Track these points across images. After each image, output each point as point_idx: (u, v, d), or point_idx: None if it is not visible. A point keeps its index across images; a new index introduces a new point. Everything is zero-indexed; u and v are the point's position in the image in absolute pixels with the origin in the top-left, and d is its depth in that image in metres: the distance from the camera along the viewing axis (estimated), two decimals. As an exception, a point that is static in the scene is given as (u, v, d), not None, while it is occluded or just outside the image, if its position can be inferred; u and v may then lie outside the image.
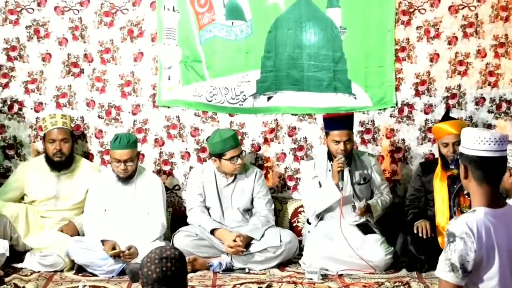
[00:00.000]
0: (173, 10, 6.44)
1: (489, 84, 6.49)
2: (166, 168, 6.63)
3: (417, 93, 6.51)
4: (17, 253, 5.98)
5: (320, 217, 6.12)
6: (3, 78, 6.49)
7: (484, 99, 6.51)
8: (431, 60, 6.47)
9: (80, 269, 5.84)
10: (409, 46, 6.46)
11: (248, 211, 6.28)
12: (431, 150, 6.55)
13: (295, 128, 6.58)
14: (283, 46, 6.47)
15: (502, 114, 6.53)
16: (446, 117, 6.07)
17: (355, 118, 6.37)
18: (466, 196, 5.55)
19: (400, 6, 6.40)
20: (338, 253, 5.78)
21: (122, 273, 5.71)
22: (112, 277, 5.71)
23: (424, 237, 5.78)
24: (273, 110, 6.56)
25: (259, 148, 6.62)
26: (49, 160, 6.20)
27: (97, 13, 6.43)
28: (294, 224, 6.51)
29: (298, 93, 6.53)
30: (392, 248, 5.86)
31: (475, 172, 3.30)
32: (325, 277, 5.67)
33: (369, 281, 5.58)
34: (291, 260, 6.06)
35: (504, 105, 6.51)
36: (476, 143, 3.28)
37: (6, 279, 5.55)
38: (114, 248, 5.74)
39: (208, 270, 5.88)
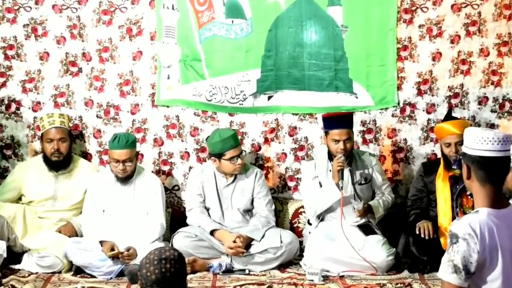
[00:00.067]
0: (173, 9, 6.42)
1: (492, 83, 6.46)
2: (166, 168, 6.61)
3: (419, 93, 6.48)
4: (15, 254, 5.95)
5: (321, 217, 6.10)
6: (0, 77, 6.46)
7: (487, 98, 6.48)
8: (434, 59, 6.45)
9: (78, 270, 5.81)
10: (411, 44, 6.44)
11: (248, 211, 6.25)
12: (433, 150, 6.53)
13: (295, 127, 6.56)
14: (283, 44, 6.44)
15: (505, 114, 6.50)
16: (448, 117, 6.04)
17: (357, 117, 6.41)
18: (469, 197, 5.53)
19: (402, 4, 6.38)
20: (339, 254, 5.75)
21: (120, 274, 5.69)
22: (111, 278, 5.68)
23: (426, 238, 5.75)
24: (274, 110, 6.54)
25: (260, 148, 6.60)
26: (47, 160, 6.18)
27: (95, 12, 6.41)
28: (295, 225, 6.49)
29: (298, 93, 6.50)
30: (394, 249, 5.84)
31: (478, 172, 3.28)
32: (326, 278, 5.64)
33: (370, 282, 5.56)
34: (291, 261, 6.03)
35: (507, 104, 6.49)
36: (479, 143, 3.26)
37: (4, 281, 5.52)
38: (112, 249, 5.71)
39: (208, 271, 5.84)
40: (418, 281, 5.54)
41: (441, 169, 5.92)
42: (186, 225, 6.16)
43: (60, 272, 5.80)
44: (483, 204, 3.27)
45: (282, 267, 5.93)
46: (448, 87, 6.46)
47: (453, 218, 5.59)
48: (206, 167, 6.28)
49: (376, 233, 5.94)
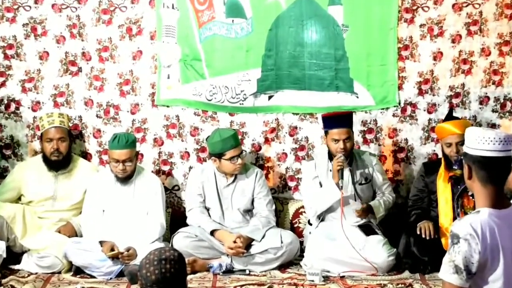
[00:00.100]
0: (173, 8, 6.41)
1: (493, 83, 6.45)
2: (166, 168, 6.59)
3: (420, 92, 6.46)
4: (14, 255, 5.94)
5: (321, 218, 6.08)
6: (-1, 76, 6.47)
7: (488, 98, 6.47)
8: (435, 58, 6.43)
9: (78, 271, 5.80)
10: (412, 44, 6.42)
11: (248, 211, 6.24)
12: (434, 150, 6.52)
13: (296, 127, 6.55)
14: (284, 44, 6.43)
15: (507, 114, 6.49)
16: (449, 117, 6.03)
17: (357, 117, 6.41)
18: (471, 197, 5.53)
19: (403, 3, 6.37)
20: (339, 255, 5.74)
21: (120, 274, 5.68)
22: (111, 278, 5.67)
23: (427, 238, 5.74)
24: (274, 110, 6.53)
25: (260, 148, 6.58)
26: (46, 159, 6.17)
27: (95, 11, 6.40)
28: (295, 225, 6.49)
29: (299, 92, 6.49)
30: (395, 249, 5.82)
31: (479, 172, 3.28)
32: (326, 278, 5.63)
33: (371, 283, 5.55)
34: (292, 261, 6.02)
35: (509, 104, 6.48)
36: (480, 143, 3.27)
37: (3, 281, 5.51)
38: (112, 249, 5.71)
39: (208, 271, 5.83)
40: (419, 282, 5.53)
41: (442, 169, 5.91)
42: (186, 225, 6.14)
43: (59, 273, 5.78)
44: (484, 204, 3.27)
45: (282, 267, 5.91)
46: (449, 86, 6.45)
47: (454, 219, 5.58)
48: (206, 167, 6.27)
49: (376, 233, 5.93)
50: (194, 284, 5.51)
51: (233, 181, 6.18)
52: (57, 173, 6.18)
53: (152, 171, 6.44)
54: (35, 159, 6.32)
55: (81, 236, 6.05)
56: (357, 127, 6.41)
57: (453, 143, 5.77)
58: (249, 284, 5.53)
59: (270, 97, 6.50)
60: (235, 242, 5.81)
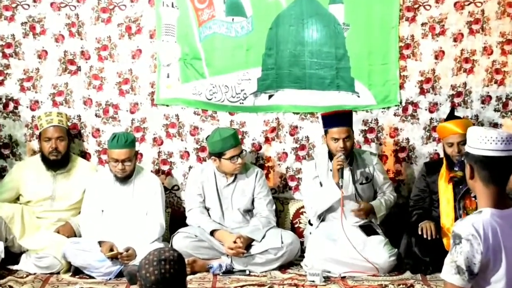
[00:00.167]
0: (172, 6, 6.39)
1: (495, 82, 6.43)
2: (165, 167, 6.58)
3: (422, 91, 6.44)
4: (13, 255, 5.92)
5: (321, 218, 6.07)
6: (-2, 75, 6.47)
7: (490, 97, 6.45)
8: (436, 57, 6.41)
9: (77, 271, 5.79)
10: (414, 43, 6.40)
11: (248, 211, 6.22)
12: (436, 150, 6.50)
13: (296, 127, 6.53)
14: (284, 43, 6.41)
15: (509, 113, 6.47)
16: (451, 116, 6.01)
17: (359, 116, 6.41)
18: (473, 199, 5.50)
19: (405, 2, 6.35)
20: (340, 255, 5.73)
21: (120, 275, 5.66)
22: (110, 279, 5.65)
23: (429, 238, 5.71)
24: (274, 109, 6.52)
25: (260, 148, 6.57)
26: (45, 159, 6.16)
27: (94, 9, 6.39)
28: (296, 225, 6.47)
29: (300, 91, 6.48)
30: (396, 249, 5.81)
31: (481, 172, 3.28)
32: (327, 279, 5.61)
33: (372, 283, 5.53)
34: (292, 262, 6.00)
35: (511, 103, 6.45)
36: (482, 142, 3.26)
37: (1, 282, 5.49)
38: (111, 250, 5.69)
39: (208, 272, 5.81)
40: (421, 282, 5.51)
41: (443, 169, 5.89)
42: (186, 225, 6.13)
43: (58, 273, 5.77)
44: (486, 204, 3.27)
45: (283, 268, 5.90)
46: (451, 86, 6.43)
47: (456, 219, 5.57)
48: (206, 167, 6.26)
49: (377, 234, 5.91)
50: (194, 284, 5.49)
51: (233, 181, 6.16)
52: (56, 173, 6.16)
53: (151, 171, 6.42)
54: (34, 158, 6.31)
55: (80, 236, 6.03)
56: (358, 127, 6.40)
57: (454, 143, 5.75)
58: (249, 285, 5.50)
59: (270, 96, 6.48)
60: (235, 242, 5.79)
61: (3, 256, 5.67)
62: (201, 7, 6.39)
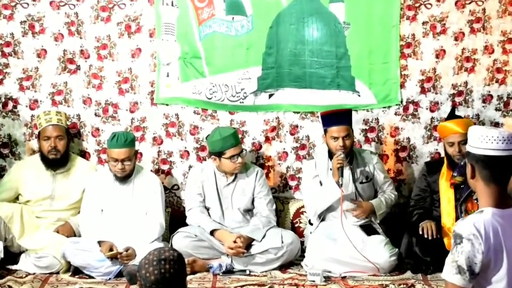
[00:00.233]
0: (172, 5, 6.38)
1: (496, 81, 6.43)
2: (165, 167, 6.57)
3: (423, 90, 6.44)
4: (12, 255, 5.91)
5: (322, 217, 6.05)
6: (-3, 74, 6.47)
7: (491, 96, 6.44)
8: (437, 56, 6.41)
9: (76, 271, 5.78)
10: (415, 42, 6.40)
11: (248, 211, 6.21)
12: (436, 149, 6.50)
13: (297, 126, 6.53)
14: (284, 42, 6.40)
15: (510, 112, 6.46)
16: (451, 116, 6.00)
17: (359, 116, 6.42)
18: (475, 201, 5.49)
19: (406, 1, 6.35)
20: (341, 254, 5.72)
21: (119, 275, 5.65)
22: (109, 279, 5.64)
23: (430, 238, 5.70)
24: (275, 108, 6.51)
25: (260, 147, 6.56)
26: (44, 158, 6.15)
27: (93, 8, 6.38)
28: (296, 225, 6.46)
29: (300, 91, 6.47)
30: (397, 249, 5.80)
31: (483, 171, 3.28)
32: (327, 279, 5.59)
33: (373, 283, 5.51)
34: (293, 261, 5.99)
35: (512, 102, 6.45)
36: (483, 142, 3.26)
37: (1, 281, 5.49)
38: (111, 250, 5.68)
39: (208, 272, 5.80)
40: (421, 282, 5.49)
41: (444, 168, 5.88)
42: (186, 225, 6.11)
43: (58, 273, 5.75)
44: (487, 204, 3.26)
45: (283, 267, 5.88)
46: (452, 85, 6.42)
47: (457, 218, 5.54)
48: (206, 166, 6.24)
49: (378, 233, 5.90)
50: (194, 284, 5.48)
51: (233, 180, 6.15)
52: (55, 172, 6.15)
53: (151, 170, 6.41)
54: (33, 158, 6.29)
55: (79, 236, 6.02)
56: (358, 126, 6.40)
57: (455, 142, 5.74)
58: (249, 285, 5.49)
59: (270, 96, 6.48)
60: (235, 242, 5.78)
61: (2, 256, 5.66)
62: (201, 6, 6.38)
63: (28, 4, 6.33)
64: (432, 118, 6.44)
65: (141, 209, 6.01)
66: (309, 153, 6.49)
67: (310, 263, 5.71)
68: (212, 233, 5.95)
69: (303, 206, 6.39)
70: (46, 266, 5.74)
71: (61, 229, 6.04)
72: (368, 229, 5.92)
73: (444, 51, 6.38)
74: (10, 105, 6.43)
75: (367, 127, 6.49)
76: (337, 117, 5.91)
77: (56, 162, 6.12)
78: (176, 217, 6.37)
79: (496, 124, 6.40)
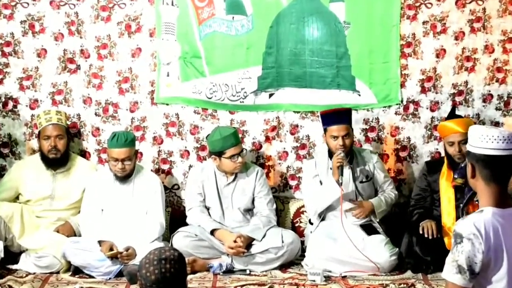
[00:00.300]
0: (172, 5, 6.38)
1: (497, 81, 6.42)
2: (165, 167, 6.56)
3: (423, 90, 6.44)
4: (12, 254, 5.91)
5: (322, 216, 6.05)
6: (-3, 74, 6.46)
7: (491, 96, 6.44)
8: (438, 56, 6.40)
9: (76, 271, 5.77)
10: (415, 41, 6.40)
11: (249, 211, 6.20)
12: (437, 149, 6.49)
13: (297, 126, 6.52)
14: (285, 41, 6.39)
15: (510, 112, 6.46)
16: (452, 115, 5.99)
17: (359, 115, 6.42)
18: (476, 202, 5.45)
19: (406, 0, 6.34)
20: (341, 254, 5.71)
21: (119, 274, 5.65)
22: (110, 279, 5.64)
23: (430, 237, 5.70)
24: (275, 108, 6.50)
25: (260, 147, 6.56)
26: (44, 158, 6.14)
27: (93, 8, 6.38)
28: (296, 225, 6.45)
29: (300, 90, 6.47)
30: (397, 249, 5.80)
31: (483, 171, 3.28)
32: (328, 278, 5.59)
33: (373, 283, 5.51)
34: (293, 261, 5.99)
35: (513, 102, 6.45)
36: (483, 141, 3.26)
37: (1, 281, 5.48)
38: (111, 249, 5.68)
39: (208, 271, 5.80)
40: (422, 282, 5.49)
41: (444, 168, 5.87)
42: (186, 224, 6.11)
43: (58, 273, 5.75)
44: (488, 203, 3.26)
45: (283, 267, 5.88)
46: (452, 84, 6.42)
47: (457, 218, 5.53)
48: (206, 166, 6.24)
49: (378, 233, 5.90)
50: (194, 284, 5.47)
51: (234, 180, 6.14)
52: (55, 172, 6.15)
53: (151, 170, 6.41)
54: (33, 157, 6.29)
55: (79, 235, 6.02)
56: (359, 125, 6.41)
57: (455, 142, 5.74)
58: (249, 284, 5.49)
59: (270, 95, 6.47)
60: (235, 241, 5.78)
61: (2, 255, 5.66)
62: (201, 6, 6.37)
63: (28, 3, 6.32)
64: (433, 117, 6.44)
65: (141, 209, 6.00)
66: (309, 153, 6.49)
67: (310, 263, 5.71)
68: (212, 232, 5.95)
69: (303, 206, 6.38)
70: (46, 265, 5.74)
71: (61, 229, 6.03)
72: (369, 229, 5.92)
73: (445, 50, 6.37)
74: (10, 104, 6.43)
75: (367, 127, 6.49)
76: (337, 116, 5.91)
77: (56, 162, 6.12)
78: (176, 217, 6.37)
79: (497, 124, 6.39)
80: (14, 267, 5.82)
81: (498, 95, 6.42)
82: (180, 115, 6.49)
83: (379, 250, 5.70)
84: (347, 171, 5.89)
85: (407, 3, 6.32)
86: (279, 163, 6.56)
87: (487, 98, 6.42)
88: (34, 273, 5.71)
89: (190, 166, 6.49)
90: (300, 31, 6.39)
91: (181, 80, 6.45)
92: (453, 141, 5.75)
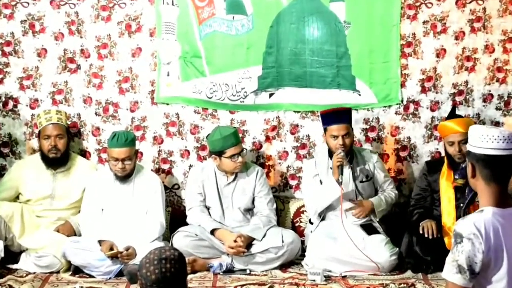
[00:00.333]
0: (172, 4, 6.37)
1: (497, 81, 6.41)
2: (165, 166, 6.55)
3: (423, 90, 6.43)
4: (12, 254, 5.91)
5: (322, 216, 6.04)
6: (-3, 74, 6.46)
7: (492, 95, 6.43)
8: (438, 55, 6.39)
9: (76, 270, 5.78)
10: (415, 41, 6.39)
11: (249, 210, 6.20)
12: (437, 149, 6.49)
13: (297, 125, 6.52)
14: (285, 41, 6.39)
15: (511, 111, 6.45)
16: (452, 115, 5.98)
17: (359, 115, 6.41)
18: (476, 203, 5.46)
19: (406, 0, 6.31)
20: (341, 254, 5.71)
21: (120, 274, 5.65)
22: (110, 278, 5.64)
23: (430, 237, 5.69)
24: (275, 107, 6.50)
25: (261, 146, 6.55)
26: (44, 157, 6.14)
27: (94, 7, 6.37)
28: (297, 224, 6.45)
29: (300, 90, 6.46)
30: (397, 248, 5.79)
31: (483, 171, 3.28)
32: (328, 278, 5.59)
33: (373, 282, 5.51)
34: (293, 261, 5.98)
35: (513, 102, 6.44)
36: (484, 141, 3.26)
37: (1, 281, 5.48)
38: (111, 249, 5.67)
39: (208, 271, 5.80)
40: (422, 281, 5.49)
41: (445, 168, 5.87)
42: (186, 224, 6.11)
43: (58, 272, 5.75)
44: (488, 203, 3.26)
45: (283, 267, 5.88)
46: (453, 84, 6.41)
47: (457, 218, 5.50)
48: (207, 166, 6.23)
49: (378, 233, 5.89)
50: (194, 283, 5.48)
51: (234, 179, 6.14)
52: (56, 172, 6.14)
53: (151, 170, 6.40)
54: (33, 157, 6.29)
55: (79, 235, 6.02)
56: (359, 125, 6.40)
57: (455, 142, 5.73)
58: (249, 284, 5.48)
59: (271, 95, 6.47)
60: (235, 241, 5.77)
61: (2, 255, 5.66)
62: (201, 5, 6.36)
63: (28, 3, 6.32)
64: (433, 117, 6.43)
65: (141, 209, 6.00)
66: (310, 152, 6.48)
67: (310, 263, 5.71)
68: (212, 232, 5.94)
69: (303, 206, 6.38)
70: (46, 265, 5.73)
71: (62, 228, 6.03)
72: (369, 228, 5.91)
73: (445, 50, 6.36)
74: (11, 104, 6.42)
75: (367, 127, 6.48)
76: (336, 116, 5.91)
77: (56, 161, 6.12)
78: (176, 217, 6.36)
79: (497, 124, 6.39)
80: (14, 266, 5.81)
81: (499, 95, 6.41)
82: (180, 114, 6.48)
83: (379, 249, 5.70)
84: (347, 171, 5.89)
85: (407, 2, 6.32)
86: (279, 163, 6.55)
87: (487, 98, 6.41)
88: (34, 273, 5.70)
89: (190, 166, 6.49)
90: (300, 31, 6.38)
91: (181, 79, 6.44)
92: (453, 141, 5.74)
